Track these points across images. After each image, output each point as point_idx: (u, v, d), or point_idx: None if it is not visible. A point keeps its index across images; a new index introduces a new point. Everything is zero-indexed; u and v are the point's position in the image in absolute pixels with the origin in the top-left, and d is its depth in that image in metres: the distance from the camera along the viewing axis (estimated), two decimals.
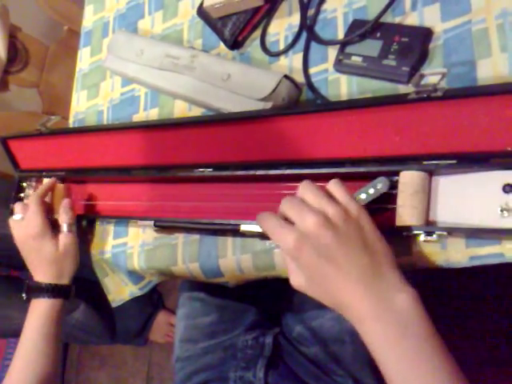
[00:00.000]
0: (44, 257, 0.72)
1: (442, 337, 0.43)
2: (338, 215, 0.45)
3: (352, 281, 0.44)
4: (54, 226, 0.75)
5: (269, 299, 0.84)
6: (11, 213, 0.80)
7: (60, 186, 0.81)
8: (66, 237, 0.73)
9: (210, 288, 0.83)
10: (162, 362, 1.68)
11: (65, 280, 0.74)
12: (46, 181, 0.82)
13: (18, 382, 0.68)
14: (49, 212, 0.77)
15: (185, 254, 0.70)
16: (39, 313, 0.71)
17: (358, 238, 0.45)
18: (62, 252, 0.73)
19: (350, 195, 0.47)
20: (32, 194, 0.77)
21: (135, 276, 0.82)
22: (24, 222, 0.74)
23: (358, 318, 0.45)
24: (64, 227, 0.74)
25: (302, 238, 0.45)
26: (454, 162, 0.49)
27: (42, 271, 0.73)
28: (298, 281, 0.48)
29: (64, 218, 0.74)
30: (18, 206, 0.76)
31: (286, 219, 0.47)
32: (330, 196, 0.47)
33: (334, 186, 0.48)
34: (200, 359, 0.77)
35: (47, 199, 0.80)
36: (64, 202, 0.76)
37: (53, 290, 0.72)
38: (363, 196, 0.50)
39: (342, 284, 0.45)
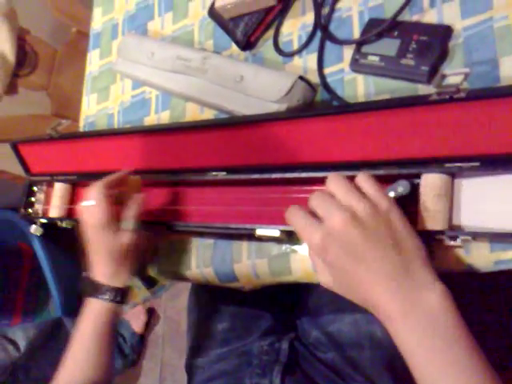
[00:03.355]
0: (100, 251, 0.64)
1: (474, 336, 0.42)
2: (366, 211, 0.44)
3: (380, 279, 0.43)
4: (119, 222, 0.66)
5: (284, 304, 0.82)
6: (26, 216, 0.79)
7: (134, 179, 0.71)
8: (125, 235, 0.64)
9: (222, 293, 0.81)
10: (174, 362, 1.69)
11: (119, 282, 0.65)
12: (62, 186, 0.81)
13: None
14: (118, 205, 0.67)
15: (199, 259, 0.69)
16: (90, 313, 0.65)
17: (386, 235, 0.43)
18: (120, 251, 0.64)
19: (380, 190, 0.46)
20: (99, 180, 0.66)
21: (148, 280, 0.81)
22: (89, 210, 0.64)
23: (387, 316, 0.44)
24: (126, 224, 0.65)
25: (328, 236, 0.44)
26: (477, 164, 0.47)
27: (98, 267, 0.65)
28: (326, 279, 0.47)
29: (129, 215, 0.65)
30: (90, 191, 0.65)
31: (315, 214, 0.46)
32: (359, 190, 0.46)
33: (363, 179, 0.47)
34: (213, 366, 0.76)
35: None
36: (135, 196, 0.67)
37: (106, 292, 0.64)
38: None
39: (370, 282, 0.44)
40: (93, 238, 0.65)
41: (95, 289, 0.64)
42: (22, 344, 1.48)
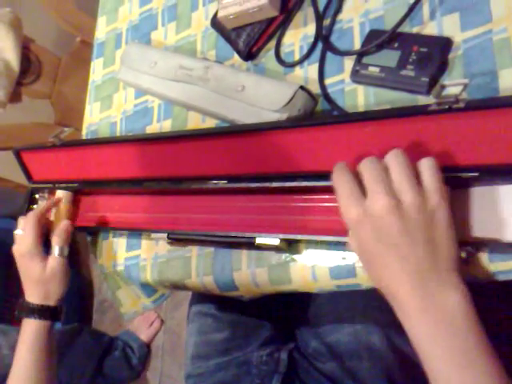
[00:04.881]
0: (30, 277, 0.71)
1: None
2: (412, 203, 0.42)
3: (404, 271, 0.43)
4: (49, 246, 0.74)
5: (283, 314, 0.82)
6: None
7: (63, 206, 0.79)
8: (54, 260, 0.71)
9: (222, 303, 0.81)
10: (174, 374, 1.67)
11: (51, 302, 0.72)
12: (58, 193, 0.81)
13: None
14: (49, 230, 0.76)
15: (199, 267, 0.69)
16: (28, 333, 0.70)
17: (425, 231, 0.43)
18: (49, 275, 0.71)
19: (439, 180, 0.44)
20: (31, 211, 0.75)
21: (148, 289, 0.81)
22: (18, 239, 0.73)
23: (405, 309, 0.43)
24: (55, 250, 0.72)
25: (365, 215, 0.44)
26: (476, 174, 0.47)
27: (29, 291, 0.72)
28: (353, 245, 0.47)
29: (56, 241, 0.73)
30: (20, 221, 0.74)
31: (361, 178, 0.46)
32: (418, 174, 0.44)
33: (426, 165, 0.45)
34: (213, 376, 0.75)
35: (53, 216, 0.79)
36: (62, 223, 0.75)
37: (39, 311, 0.70)
38: None
39: (393, 271, 0.43)
40: (22, 264, 0.72)
41: (30, 310, 0.70)
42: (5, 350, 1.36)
